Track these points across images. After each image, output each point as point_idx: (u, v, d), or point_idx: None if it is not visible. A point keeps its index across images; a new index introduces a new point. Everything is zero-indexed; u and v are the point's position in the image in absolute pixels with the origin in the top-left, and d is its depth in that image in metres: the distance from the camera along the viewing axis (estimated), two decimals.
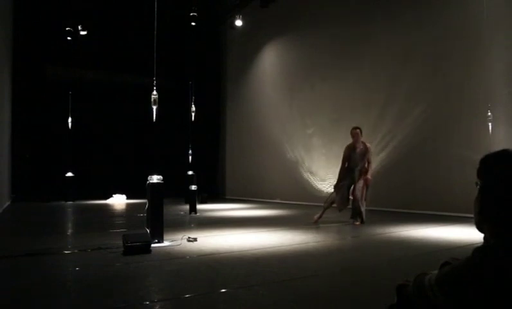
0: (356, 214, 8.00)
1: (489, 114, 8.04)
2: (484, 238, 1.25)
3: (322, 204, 8.45)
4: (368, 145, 8.20)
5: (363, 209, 7.96)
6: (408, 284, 1.33)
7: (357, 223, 7.86)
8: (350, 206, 8.19)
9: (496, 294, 1.10)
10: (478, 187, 1.27)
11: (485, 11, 8.19)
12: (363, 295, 3.55)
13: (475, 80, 8.83)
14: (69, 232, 8.06)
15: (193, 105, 14.25)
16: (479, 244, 1.22)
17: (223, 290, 3.55)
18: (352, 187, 8.08)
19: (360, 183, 8.03)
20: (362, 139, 8.14)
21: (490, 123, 8.06)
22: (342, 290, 3.72)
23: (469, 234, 6.25)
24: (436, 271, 1.24)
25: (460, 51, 9.13)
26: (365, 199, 8.10)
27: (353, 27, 11.52)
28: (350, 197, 8.13)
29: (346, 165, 8.14)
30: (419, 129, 9.78)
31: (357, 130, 8.14)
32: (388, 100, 10.56)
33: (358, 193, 7.94)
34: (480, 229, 1.27)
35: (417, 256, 5.02)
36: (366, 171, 8.10)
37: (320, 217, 7.95)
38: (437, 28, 9.56)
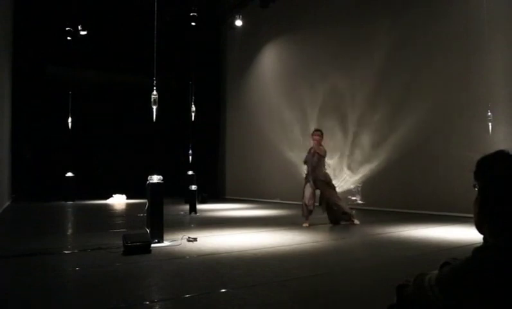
0: (345, 218, 7.88)
1: (489, 114, 8.04)
2: (484, 238, 1.25)
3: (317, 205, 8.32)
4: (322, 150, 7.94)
5: (346, 209, 7.87)
6: (408, 284, 1.34)
7: (356, 222, 7.79)
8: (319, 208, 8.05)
9: (496, 294, 1.11)
10: (476, 188, 1.28)
11: (486, 11, 8.19)
12: (363, 295, 3.55)
13: (475, 80, 8.83)
14: (69, 232, 8.06)
15: (193, 105, 14.24)
16: (479, 244, 1.22)
17: (223, 290, 3.55)
18: (320, 195, 7.93)
19: (331, 193, 7.86)
20: (322, 143, 7.97)
21: (490, 123, 8.05)
22: (342, 290, 3.72)
23: (469, 234, 6.25)
24: (436, 272, 1.24)
25: (460, 51, 9.12)
26: (338, 198, 7.96)
27: (353, 27, 11.52)
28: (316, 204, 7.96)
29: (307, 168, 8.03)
30: (418, 129, 9.78)
31: (315, 132, 8.01)
32: (388, 100, 10.55)
33: (333, 199, 7.81)
34: (480, 229, 1.27)
35: (417, 256, 5.02)
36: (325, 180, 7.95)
37: (307, 220, 7.74)
38: (437, 28, 9.55)
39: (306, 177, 8.04)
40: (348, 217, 7.88)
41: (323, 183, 7.91)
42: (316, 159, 7.87)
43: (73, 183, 14.00)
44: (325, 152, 8.04)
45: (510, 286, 1.10)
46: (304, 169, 8.40)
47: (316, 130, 8.17)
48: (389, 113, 10.53)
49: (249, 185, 15.30)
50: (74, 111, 15.00)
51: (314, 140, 7.96)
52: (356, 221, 7.82)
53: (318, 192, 8.03)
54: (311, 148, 8.01)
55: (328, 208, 7.93)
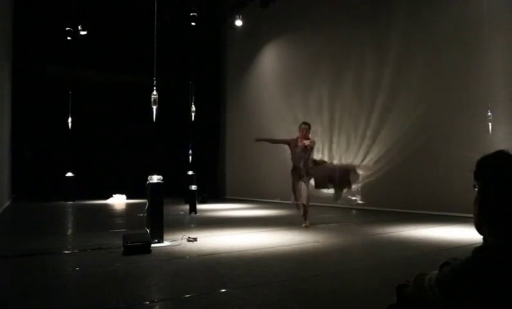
0: (353, 175, 7.78)
1: (489, 114, 8.04)
2: (484, 238, 1.25)
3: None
4: (309, 141, 7.81)
5: (345, 166, 7.80)
6: (408, 284, 1.34)
7: (306, 225, 7.53)
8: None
9: (496, 294, 1.11)
10: (476, 188, 1.28)
11: (486, 11, 8.19)
12: (363, 295, 3.55)
13: (475, 80, 8.83)
14: (69, 232, 8.07)
15: (193, 105, 14.24)
16: (479, 244, 1.22)
17: (223, 290, 3.55)
18: (299, 186, 7.76)
19: (306, 185, 7.71)
20: (309, 135, 7.84)
21: (490, 123, 8.05)
22: (342, 290, 3.72)
23: (469, 234, 6.25)
24: (436, 272, 1.24)
25: (460, 51, 9.12)
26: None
27: (353, 27, 11.52)
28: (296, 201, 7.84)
29: (291, 156, 7.87)
30: (419, 129, 9.78)
31: (303, 125, 7.87)
32: (388, 100, 10.55)
33: (304, 195, 7.66)
34: (480, 230, 1.27)
35: (417, 256, 5.02)
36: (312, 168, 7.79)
37: (306, 219, 7.66)
38: (436, 28, 9.56)
39: (298, 174, 7.78)
40: (353, 168, 7.71)
41: (314, 168, 7.79)
42: (308, 153, 7.80)
43: (73, 183, 13.99)
44: (315, 142, 8.00)
45: (510, 286, 1.10)
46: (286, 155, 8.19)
47: (304, 123, 8.00)
48: (389, 113, 10.53)
49: (249, 185, 15.30)
50: (74, 111, 14.99)
51: (300, 131, 7.83)
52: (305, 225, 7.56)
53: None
54: (294, 140, 7.83)
55: (330, 177, 7.72)
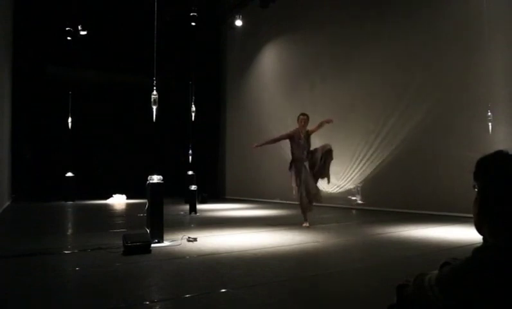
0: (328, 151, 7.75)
1: (489, 114, 8.04)
2: (484, 238, 1.25)
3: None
4: (308, 130, 7.88)
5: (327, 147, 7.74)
6: (408, 284, 1.34)
7: (306, 225, 7.53)
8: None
9: (496, 294, 1.11)
10: (476, 189, 1.28)
11: (486, 11, 8.19)
12: (363, 295, 3.55)
13: (475, 80, 8.83)
14: (69, 232, 8.06)
15: (193, 105, 14.25)
16: (479, 244, 1.22)
17: (223, 290, 3.55)
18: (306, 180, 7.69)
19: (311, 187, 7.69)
20: (308, 127, 7.86)
21: (490, 123, 8.06)
22: (342, 290, 3.72)
23: (469, 234, 6.25)
24: (436, 272, 1.24)
25: (460, 51, 9.13)
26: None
27: (353, 27, 11.52)
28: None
29: (292, 153, 7.84)
30: (418, 129, 9.78)
31: (302, 116, 7.86)
32: (388, 100, 10.56)
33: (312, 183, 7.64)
34: (480, 230, 1.27)
35: (417, 256, 5.02)
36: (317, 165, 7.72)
37: (306, 219, 7.64)
38: (436, 28, 9.56)
39: (301, 166, 7.70)
40: (329, 147, 7.75)
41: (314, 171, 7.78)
42: (309, 142, 7.80)
43: (73, 183, 13.99)
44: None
45: (510, 286, 1.10)
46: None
47: (303, 114, 7.99)
48: (389, 113, 10.52)
49: (249, 185, 15.30)
50: (74, 111, 15.00)
51: (300, 122, 7.84)
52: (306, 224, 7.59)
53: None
54: (296, 131, 7.83)
55: (320, 156, 7.73)
